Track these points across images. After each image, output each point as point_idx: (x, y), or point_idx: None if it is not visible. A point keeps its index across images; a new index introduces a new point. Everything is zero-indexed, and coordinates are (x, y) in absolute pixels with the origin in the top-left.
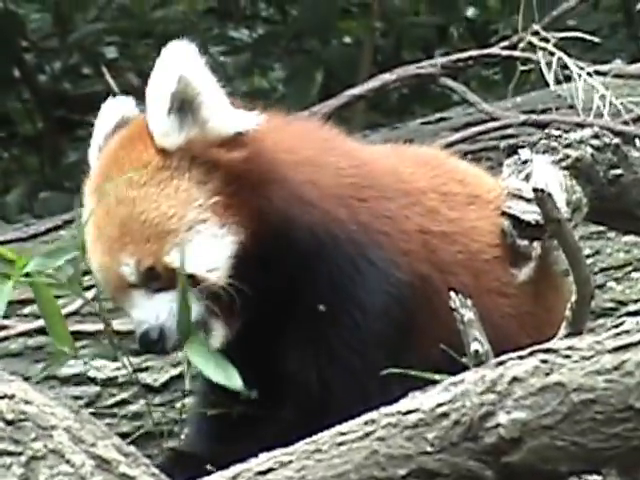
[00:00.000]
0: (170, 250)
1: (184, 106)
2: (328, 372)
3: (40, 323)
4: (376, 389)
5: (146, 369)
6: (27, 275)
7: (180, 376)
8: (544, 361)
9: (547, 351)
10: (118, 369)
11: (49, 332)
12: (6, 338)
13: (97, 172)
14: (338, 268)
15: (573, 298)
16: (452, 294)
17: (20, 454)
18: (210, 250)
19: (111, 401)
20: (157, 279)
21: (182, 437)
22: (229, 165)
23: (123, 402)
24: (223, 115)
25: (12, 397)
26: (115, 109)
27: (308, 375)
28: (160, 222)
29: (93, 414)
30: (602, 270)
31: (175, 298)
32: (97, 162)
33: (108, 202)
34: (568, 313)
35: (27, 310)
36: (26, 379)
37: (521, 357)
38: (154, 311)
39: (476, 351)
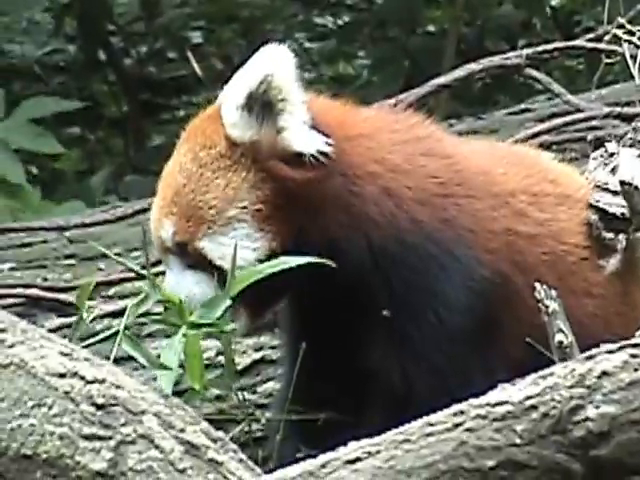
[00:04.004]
0: (203, 237)
1: (265, 107)
2: (412, 371)
3: (124, 304)
4: (460, 386)
5: None
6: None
7: (262, 360)
8: (634, 356)
9: (636, 346)
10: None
11: (186, 370)
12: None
13: (189, 127)
14: (417, 270)
15: None
16: (537, 285)
17: (110, 439)
18: (240, 249)
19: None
20: (188, 256)
21: (263, 421)
22: (286, 182)
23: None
24: (299, 131)
25: (103, 381)
26: None
27: (391, 374)
28: (202, 208)
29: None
30: None
31: (200, 280)
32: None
33: (176, 163)
34: None
35: (112, 291)
36: (109, 360)
37: (610, 352)
38: (180, 284)
39: (560, 342)
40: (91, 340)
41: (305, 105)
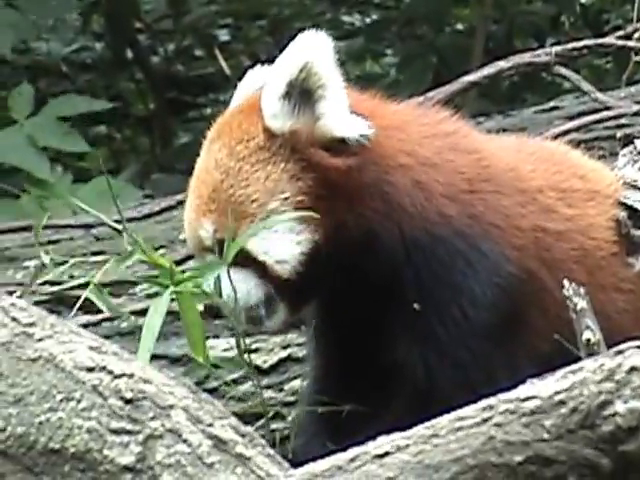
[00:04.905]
0: (244, 232)
1: (303, 95)
2: (435, 366)
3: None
4: (483, 382)
5: (255, 351)
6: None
7: (289, 358)
8: None
9: None
10: (228, 350)
11: (187, 341)
12: (117, 317)
13: (219, 123)
14: (445, 265)
15: None
16: (565, 282)
17: (138, 433)
18: (283, 242)
19: (220, 382)
20: None
21: (289, 418)
22: (327, 170)
23: (232, 383)
24: (339, 116)
25: (131, 376)
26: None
27: (415, 369)
28: (243, 202)
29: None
30: None
31: (242, 279)
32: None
33: (209, 160)
34: None
35: (137, 289)
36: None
37: None
38: (221, 283)
39: (588, 340)
40: (57, 288)
41: (345, 91)
